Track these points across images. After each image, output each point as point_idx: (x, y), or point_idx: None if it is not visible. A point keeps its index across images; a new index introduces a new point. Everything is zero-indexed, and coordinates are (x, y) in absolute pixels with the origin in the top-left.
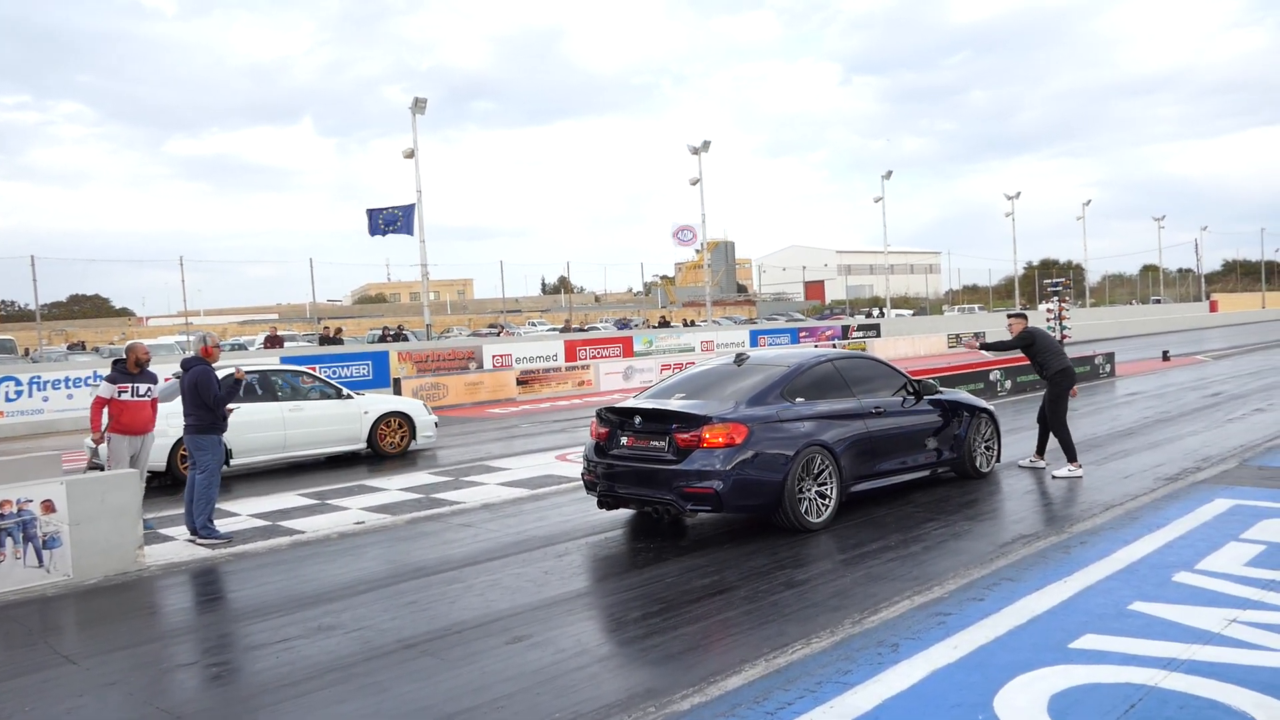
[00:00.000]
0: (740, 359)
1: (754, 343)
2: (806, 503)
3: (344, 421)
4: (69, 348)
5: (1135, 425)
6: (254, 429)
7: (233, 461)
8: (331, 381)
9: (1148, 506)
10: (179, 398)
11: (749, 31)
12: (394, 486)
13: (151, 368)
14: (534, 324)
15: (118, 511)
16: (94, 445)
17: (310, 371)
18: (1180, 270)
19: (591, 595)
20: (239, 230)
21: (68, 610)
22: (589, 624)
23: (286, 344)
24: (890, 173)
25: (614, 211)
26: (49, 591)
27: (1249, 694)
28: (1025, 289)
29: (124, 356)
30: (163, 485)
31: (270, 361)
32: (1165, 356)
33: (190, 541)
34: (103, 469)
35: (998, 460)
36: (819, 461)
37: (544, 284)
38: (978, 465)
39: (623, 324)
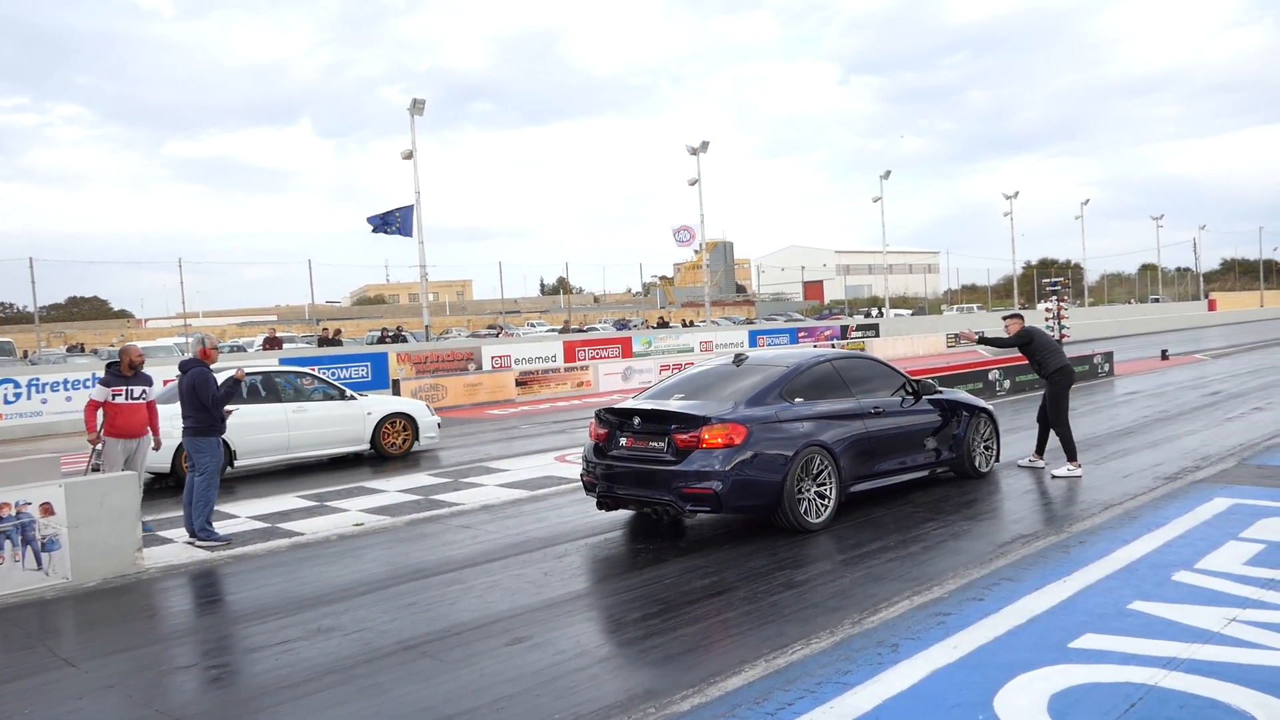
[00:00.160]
0: (739, 359)
1: (753, 343)
2: (806, 503)
3: (347, 422)
4: (68, 350)
5: (1134, 424)
6: (258, 430)
7: (237, 463)
8: (335, 383)
9: (1147, 506)
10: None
11: (747, 32)
12: (393, 488)
13: (151, 369)
14: (533, 325)
15: (117, 514)
16: (98, 448)
17: (313, 373)
18: (1179, 269)
19: (591, 596)
20: (237, 231)
21: (66, 613)
22: (589, 625)
23: (285, 345)
24: (889, 173)
25: (613, 212)
26: (48, 594)
27: (1249, 693)
28: (1024, 288)
29: (117, 359)
30: (166, 487)
31: (273, 363)
32: (1164, 355)
33: (189, 544)
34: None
35: (997, 460)
36: (818, 462)
37: (543, 285)
38: (977, 465)
39: (621, 325)
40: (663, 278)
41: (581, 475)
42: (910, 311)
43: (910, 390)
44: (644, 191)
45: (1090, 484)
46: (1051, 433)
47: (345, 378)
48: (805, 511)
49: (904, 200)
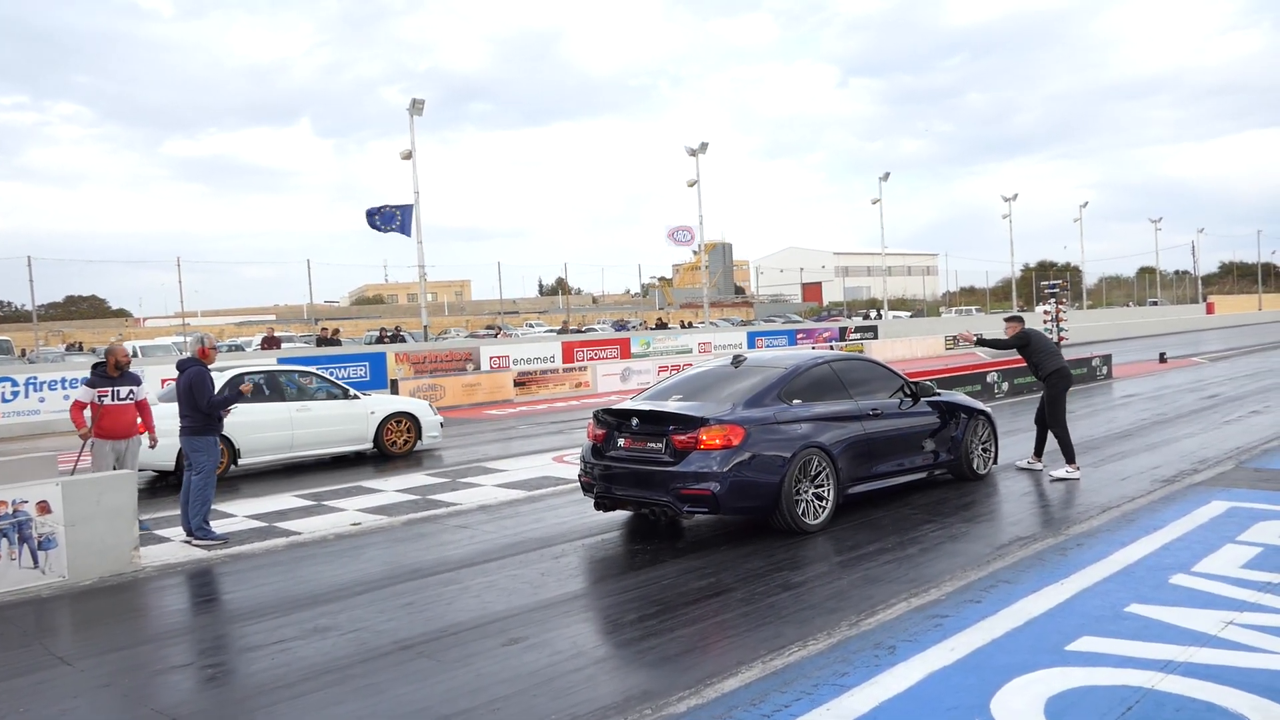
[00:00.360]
0: (737, 360)
1: (751, 344)
2: (803, 505)
3: (350, 421)
4: (66, 348)
5: (1132, 427)
6: (261, 429)
7: (240, 461)
8: (338, 382)
9: (1145, 509)
10: None
11: (746, 33)
12: (391, 488)
13: (149, 368)
14: (531, 325)
15: (113, 512)
16: (88, 444)
17: (317, 372)
18: (1177, 272)
19: (588, 597)
20: (236, 231)
21: (63, 611)
22: (585, 626)
23: (284, 345)
24: (888, 174)
25: (612, 213)
26: (44, 593)
27: (1246, 696)
28: (1023, 291)
29: (104, 359)
30: (168, 485)
31: (271, 363)
32: (1162, 358)
33: (186, 542)
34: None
35: (995, 462)
36: (816, 463)
37: (541, 285)
38: (975, 467)
39: (620, 325)
40: (661, 279)
41: (579, 476)
42: (909, 313)
43: (908, 392)
44: (643, 192)
45: (1088, 487)
46: (1050, 435)
47: (344, 378)
48: (803, 513)
49: (903, 202)
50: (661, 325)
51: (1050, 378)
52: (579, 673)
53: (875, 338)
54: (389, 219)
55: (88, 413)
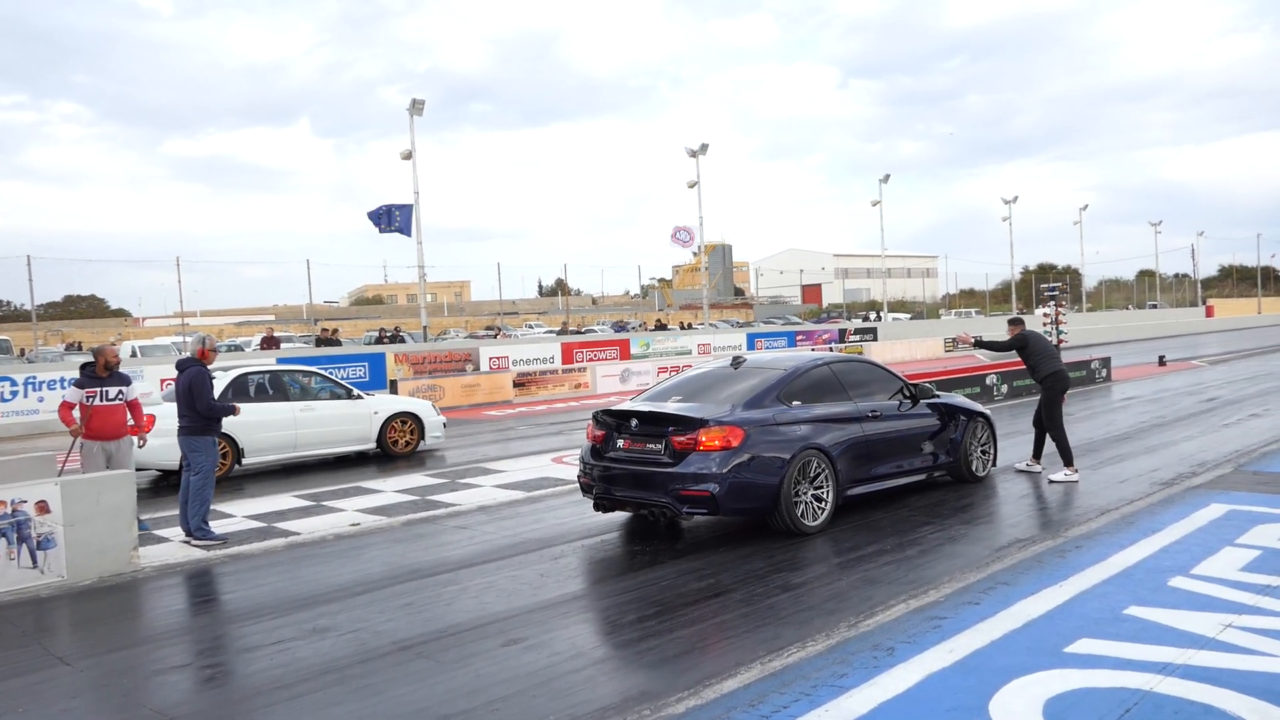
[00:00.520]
0: (737, 362)
1: (751, 345)
2: (802, 506)
3: (354, 421)
4: (65, 348)
5: (1131, 430)
6: (265, 429)
7: (245, 461)
8: (342, 382)
9: (1143, 511)
10: None
11: (746, 34)
12: (390, 488)
13: (149, 368)
14: (531, 326)
15: (112, 512)
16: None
17: (321, 372)
18: (1176, 275)
19: (587, 598)
20: (236, 231)
21: (62, 611)
22: (584, 627)
23: (283, 345)
24: (888, 176)
25: (611, 214)
26: (43, 592)
27: (1244, 699)
28: (1022, 293)
29: (93, 360)
30: (171, 485)
31: (270, 363)
32: (1161, 361)
33: (185, 543)
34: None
35: (994, 464)
36: (815, 465)
37: (541, 286)
38: (974, 469)
39: (620, 326)
40: (661, 280)
41: (578, 477)
42: (908, 315)
43: (908, 394)
44: (643, 193)
45: (1087, 489)
46: (1049, 437)
47: (343, 378)
48: (802, 514)
49: (902, 204)
50: (661, 326)
51: (1047, 380)
52: (578, 673)
53: (875, 339)
54: (390, 219)
55: (77, 412)
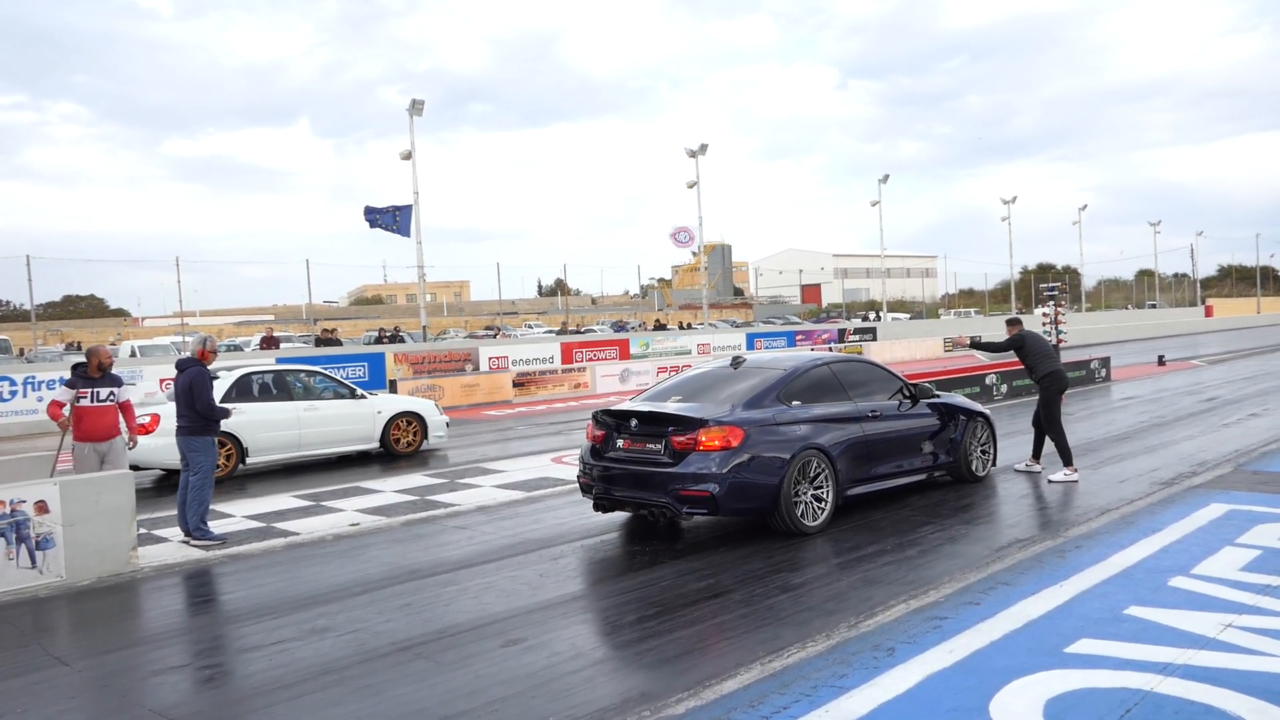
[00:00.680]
0: (737, 362)
1: (750, 345)
2: (802, 506)
3: (357, 421)
4: (65, 348)
5: (1131, 430)
6: (269, 428)
7: (249, 460)
8: (345, 382)
9: (1143, 511)
10: None
11: (745, 35)
12: (389, 488)
13: (148, 368)
14: (530, 326)
15: (112, 512)
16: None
17: (324, 372)
18: (1176, 275)
19: (586, 598)
20: (235, 231)
21: (60, 612)
22: (584, 627)
23: (282, 345)
24: (887, 176)
25: (611, 214)
26: (42, 593)
27: (1244, 699)
28: (1021, 293)
29: (85, 360)
30: (173, 485)
31: (270, 363)
32: (1160, 361)
33: (184, 543)
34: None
35: (993, 464)
36: (815, 465)
37: (540, 286)
38: (973, 469)
39: (619, 326)
40: (660, 280)
41: (578, 477)
42: (908, 315)
43: (907, 394)
44: (642, 194)
45: (1087, 489)
46: (1048, 437)
47: (343, 378)
48: (802, 515)
49: (902, 204)
50: (660, 326)
51: (1044, 380)
52: (577, 674)
53: (874, 339)
54: (388, 220)
55: (67, 409)
